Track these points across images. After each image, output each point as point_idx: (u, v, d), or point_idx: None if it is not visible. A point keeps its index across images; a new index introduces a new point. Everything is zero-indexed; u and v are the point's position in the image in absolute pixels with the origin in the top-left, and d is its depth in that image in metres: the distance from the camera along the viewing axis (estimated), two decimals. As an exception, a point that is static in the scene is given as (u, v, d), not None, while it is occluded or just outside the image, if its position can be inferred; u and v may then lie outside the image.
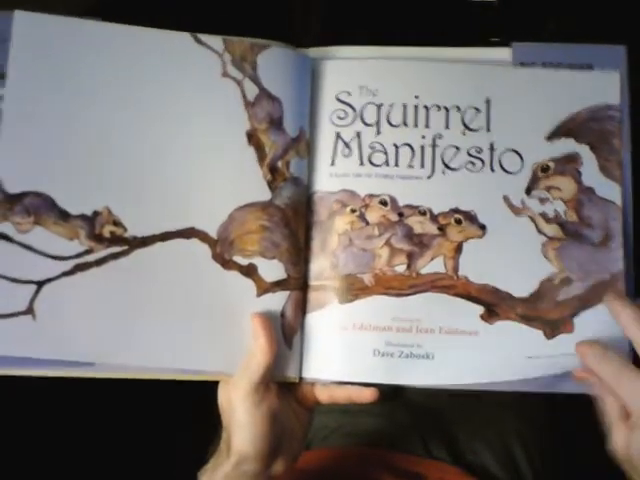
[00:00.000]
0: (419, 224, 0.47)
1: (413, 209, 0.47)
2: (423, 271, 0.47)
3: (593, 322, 0.45)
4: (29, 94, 0.45)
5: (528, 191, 0.47)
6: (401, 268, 0.47)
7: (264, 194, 0.46)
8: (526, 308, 0.46)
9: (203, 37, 0.47)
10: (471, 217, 0.47)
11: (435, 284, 0.46)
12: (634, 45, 0.49)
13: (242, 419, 0.43)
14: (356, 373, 0.45)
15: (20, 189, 0.44)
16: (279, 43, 0.48)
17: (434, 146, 0.48)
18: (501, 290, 0.46)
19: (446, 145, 0.48)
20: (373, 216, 0.47)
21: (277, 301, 0.46)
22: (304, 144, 0.47)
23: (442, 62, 0.49)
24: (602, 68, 0.49)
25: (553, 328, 0.46)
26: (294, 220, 0.46)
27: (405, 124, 0.48)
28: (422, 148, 0.48)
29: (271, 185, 0.46)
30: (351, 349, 0.46)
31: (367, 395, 0.45)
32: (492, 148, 0.48)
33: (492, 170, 0.48)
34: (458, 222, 0.47)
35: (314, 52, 0.49)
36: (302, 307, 0.46)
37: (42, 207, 0.44)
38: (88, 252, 0.44)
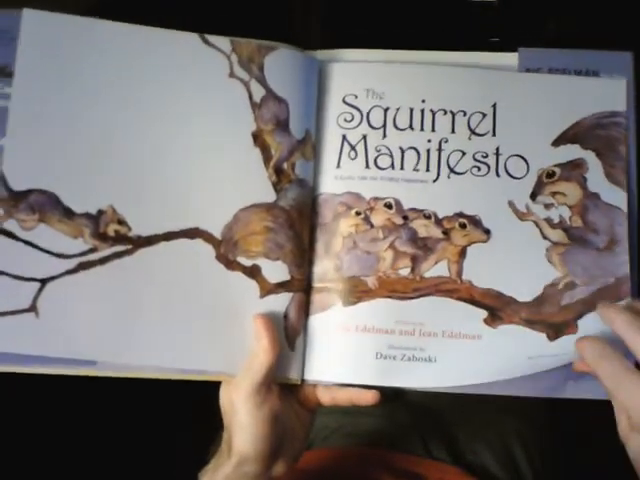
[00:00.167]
0: (424, 228, 0.47)
1: (418, 213, 0.47)
2: (427, 275, 0.47)
3: (597, 324, 0.45)
4: (36, 92, 0.45)
5: (533, 196, 0.47)
6: (405, 271, 0.47)
7: (269, 195, 0.46)
8: (530, 312, 0.46)
9: (210, 38, 0.47)
10: (476, 221, 0.47)
11: (439, 288, 0.46)
12: (641, 51, 0.49)
13: (244, 420, 0.43)
14: (358, 375, 0.45)
15: (25, 186, 0.44)
16: (286, 45, 0.48)
17: (440, 150, 0.48)
18: (505, 294, 0.46)
19: (452, 149, 0.48)
20: (378, 219, 0.47)
21: (280, 302, 0.46)
22: (310, 146, 0.47)
23: (449, 66, 0.49)
24: (609, 74, 0.49)
25: (556, 331, 0.46)
26: (299, 222, 0.46)
27: (411, 128, 0.48)
28: (428, 152, 0.48)
29: (276, 186, 0.46)
30: (354, 351, 0.46)
31: (369, 397, 0.45)
32: (498, 153, 0.48)
33: (497, 175, 0.48)
34: (463, 226, 0.47)
35: (321, 54, 0.49)
36: (305, 309, 0.46)
37: (47, 205, 0.44)
38: (92, 251, 0.44)
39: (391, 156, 0.48)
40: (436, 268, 0.47)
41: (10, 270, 0.43)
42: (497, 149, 0.48)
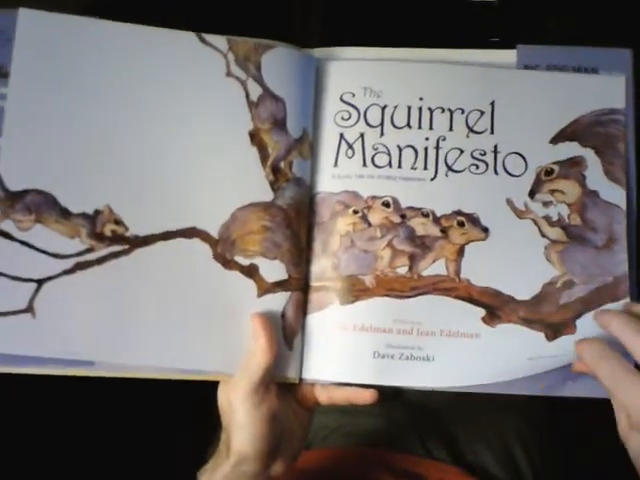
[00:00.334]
0: (421, 226, 0.47)
1: (416, 211, 0.47)
2: (425, 273, 0.46)
3: (595, 325, 0.45)
4: (32, 92, 0.45)
5: (532, 194, 0.47)
6: (403, 270, 0.46)
7: (266, 194, 0.46)
8: (528, 311, 0.46)
9: (207, 37, 0.47)
10: (474, 220, 0.47)
11: (437, 286, 0.46)
12: (640, 48, 0.49)
13: (242, 420, 0.42)
14: (356, 374, 0.45)
15: (22, 187, 0.44)
16: (283, 43, 0.48)
17: (438, 148, 0.48)
18: (503, 293, 0.46)
19: (450, 147, 0.48)
20: (375, 217, 0.47)
21: (278, 302, 0.45)
22: (307, 145, 0.47)
23: (447, 64, 0.49)
24: (608, 71, 0.48)
25: (555, 331, 0.46)
26: (296, 221, 0.46)
27: (409, 126, 0.48)
28: (425, 150, 0.48)
29: (273, 185, 0.46)
30: (351, 350, 0.46)
31: (367, 397, 0.45)
32: (496, 151, 0.48)
33: (496, 173, 0.47)
34: (461, 224, 0.47)
35: (318, 52, 0.49)
36: (303, 308, 0.46)
37: (43, 205, 0.44)
38: (89, 251, 0.44)
39: (389, 154, 0.48)
40: (434, 267, 0.46)
41: (6, 271, 0.43)
42: (495, 147, 0.48)
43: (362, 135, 0.48)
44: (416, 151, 0.48)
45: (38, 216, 0.44)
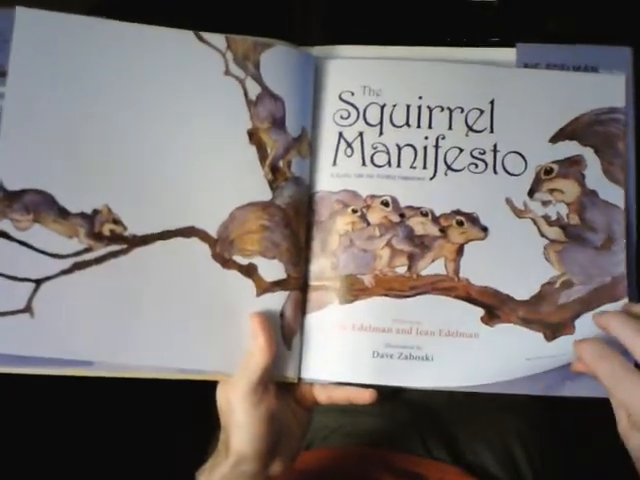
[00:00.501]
0: (420, 225, 0.47)
1: (415, 210, 0.47)
2: (424, 273, 0.46)
3: (594, 325, 0.45)
4: (30, 92, 0.44)
5: (531, 193, 0.47)
6: (402, 269, 0.46)
7: (265, 194, 0.46)
8: (527, 311, 0.46)
9: (206, 35, 0.47)
10: (473, 219, 0.47)
11: (436, 286, 0.46)
12: (640, 47, 0.49)
13: (241, 419, 0.42)
14: (355, 374, 0.45)
15: (20, 186, 0.44)
16: (282, 42, 0.48)
17: (437, 147, 0.48)
18: (502, 293, 0.46)
19: (449, 146, 0.48)
20: (374, 217, 0.47)
21: (277, 301, 0.45)
22: (306, 144, 0.47)
23: (446, 63, 0.49)
24: (608, 70, 0.48)
25: (554, 331, 0.46)
26: (295, 220, 0.46)
27: (408, 125, 0.48)
28: (425, 149, 0.48)
29: (272, 185, 0.46)
30: (350, 350, 0.46)
31: (366, 396, 0.45)
32: (495, 150, 0.48)
33: (495, 172, 0.47)
34: (460, 224, 0.47)
35: (317, 51, 0.49)
36: (302, 307, 0.46)
37: (41, 205, 0.44)
38: (87, 250, 0.44)
39: (388, 153, 0.47)
40: (433, 266, 0.46)
41: (5, 271, 0.43)
42: (495, 146, 0.48)
43: (361, 134, 0.48)
44: (415, 150, 0.48)
45: (36, 216, 0.44)
